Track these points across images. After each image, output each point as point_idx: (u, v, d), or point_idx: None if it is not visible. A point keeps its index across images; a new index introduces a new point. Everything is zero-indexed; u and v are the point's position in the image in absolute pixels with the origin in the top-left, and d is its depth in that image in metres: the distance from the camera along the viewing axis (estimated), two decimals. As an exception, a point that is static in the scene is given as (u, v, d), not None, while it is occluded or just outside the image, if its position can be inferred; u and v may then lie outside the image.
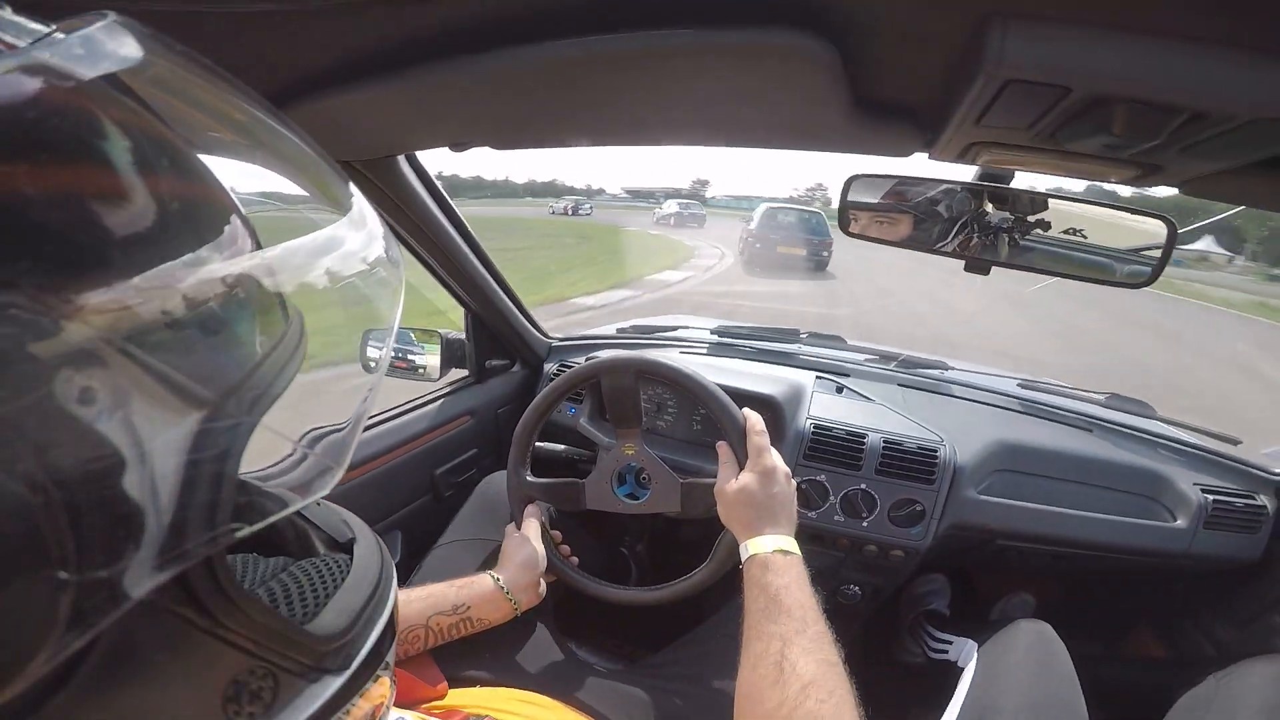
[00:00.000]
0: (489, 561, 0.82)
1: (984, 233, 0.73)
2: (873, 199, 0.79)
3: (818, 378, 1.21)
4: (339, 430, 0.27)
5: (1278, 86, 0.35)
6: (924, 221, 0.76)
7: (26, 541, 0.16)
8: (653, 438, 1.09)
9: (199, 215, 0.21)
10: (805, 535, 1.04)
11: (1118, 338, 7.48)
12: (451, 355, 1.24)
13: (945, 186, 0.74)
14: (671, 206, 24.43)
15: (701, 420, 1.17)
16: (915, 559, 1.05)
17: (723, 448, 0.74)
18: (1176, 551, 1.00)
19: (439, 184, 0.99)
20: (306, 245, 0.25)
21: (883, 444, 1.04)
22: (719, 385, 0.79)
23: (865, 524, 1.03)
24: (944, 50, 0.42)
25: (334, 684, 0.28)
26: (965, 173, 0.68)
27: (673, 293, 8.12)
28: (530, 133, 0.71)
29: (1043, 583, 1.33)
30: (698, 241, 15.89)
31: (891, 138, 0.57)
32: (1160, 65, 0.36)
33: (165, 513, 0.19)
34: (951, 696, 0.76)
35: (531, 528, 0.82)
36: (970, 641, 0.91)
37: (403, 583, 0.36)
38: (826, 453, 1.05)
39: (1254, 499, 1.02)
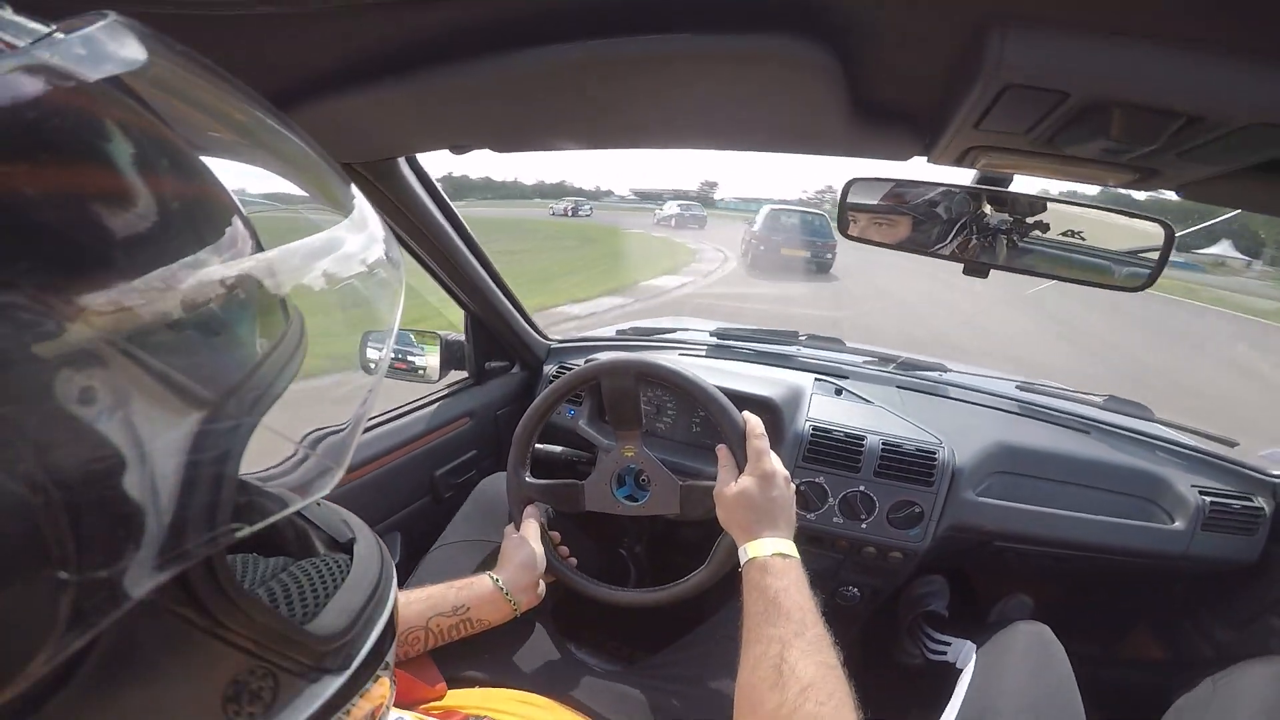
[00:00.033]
0: (488, 562, 0.82)
1: (982, 235, 0.73)
2: (872, 201, 0.79)
3: (816, 380, 1.21)
4: (339, 431, 0.28)
5: (1273, 91, 0.35)
6: (923, 223, 0.77)
7: (27, 541, 0.16)
8: (652, 440, 1.09)
9: (200, 215, 0.21)
10: (804, 537, 1.04)
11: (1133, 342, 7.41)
12: (451, 357, 1.24)
13: (944, 188, 0.74)
14: (672, 208, 24.41)
15: (701, 422, 1.17)
16: (914, 561, 1.05)
17: (722, 451, 0.74)
18: (1174, 553, 1.00)
19: (439, 186, 0.99)
20: (307, 246, 0.25)
21: (881, 446, 1.04)
22: (718, 388, 0.79)
23: (864, 526, 1.03)
24: (943, 55, 0.42)
25: (334, 684, 0.28)
26: (964, 176, 0.68)
27: (668, 300, 7.81)
28: (530, 136, 0.71)
29: (1041, 584, 1.33)
30: (701, 244, 15.56)
31: (890, 142, 0.57)
32: (1158, 70, 0.36)
33: (165, 513, 0.19)
34: (950, 698, 0.77)
35: (530, 529, 0.82)
36: (969, 643, 0.91)
37: (401, 584, 0.36)
38: (825, 455, 1.05)
39: (1251, 501, 1.02)
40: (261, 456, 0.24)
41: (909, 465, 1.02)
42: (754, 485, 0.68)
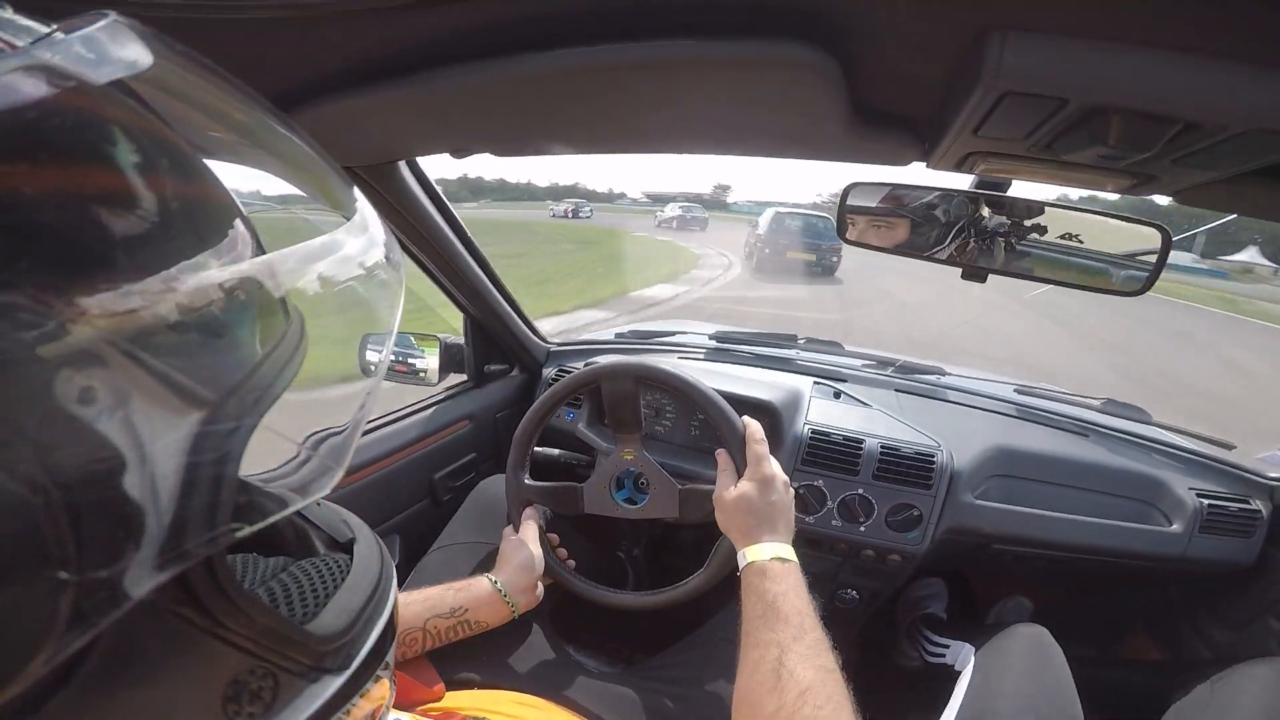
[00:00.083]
0: (486, 564, 0.82)
1: (980, 238, 0.73)
2: (870, 204, 0.79)
3: (815, 383, 1.22)
4: (340, 432, 0.28)
5: (1268, 97, 0.35)
6: (921, 226, 0.77)
7: (27, 541, 0.16)
8: (651, 443, 1.09)
9: (200, 216, 0.21)
10: (802, 540, 1.04)
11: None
12: (450, 360, 1.24)
13: (942, 192, 0.74)
14: (674, 210, 24.41)
15: (700, 426, 1.17)
16: (912, 563, 1.05)
17: (722, 455, 0.74)
18: (1172, 555, 1.00)
19: (439, 189, 0.99)
20: (308, 248, 0.25)
21: (880, 449, 1.04)
22: (717, 391, 0.79)
23: (862, 529, 1.03)
24: (943, 62, 0.42)
25: (334, 684, 0.28)
26: (962, 181, 0.68)
27: (661, 313, 7.17)
28: (530, 140, 0.71)
29: (1039, 587, 1.33)
30: (706, 249, 15.03)
31: (890, 147, 0.57)
32: (1155, 77, 0.36)
33: (165, 513, 0.19)
34: (948, 701, 0.76)
35: (529, 531, 0.82)
36: (967, 645, 0.91)
37: (400, 586, 0.36)
38: (824, 458, 1.05)
39: (1248, 503, 1.03)
40: (262, 457, 0.24)
41: (907, 468, 1.03)
42: (753, 489, 0.68)
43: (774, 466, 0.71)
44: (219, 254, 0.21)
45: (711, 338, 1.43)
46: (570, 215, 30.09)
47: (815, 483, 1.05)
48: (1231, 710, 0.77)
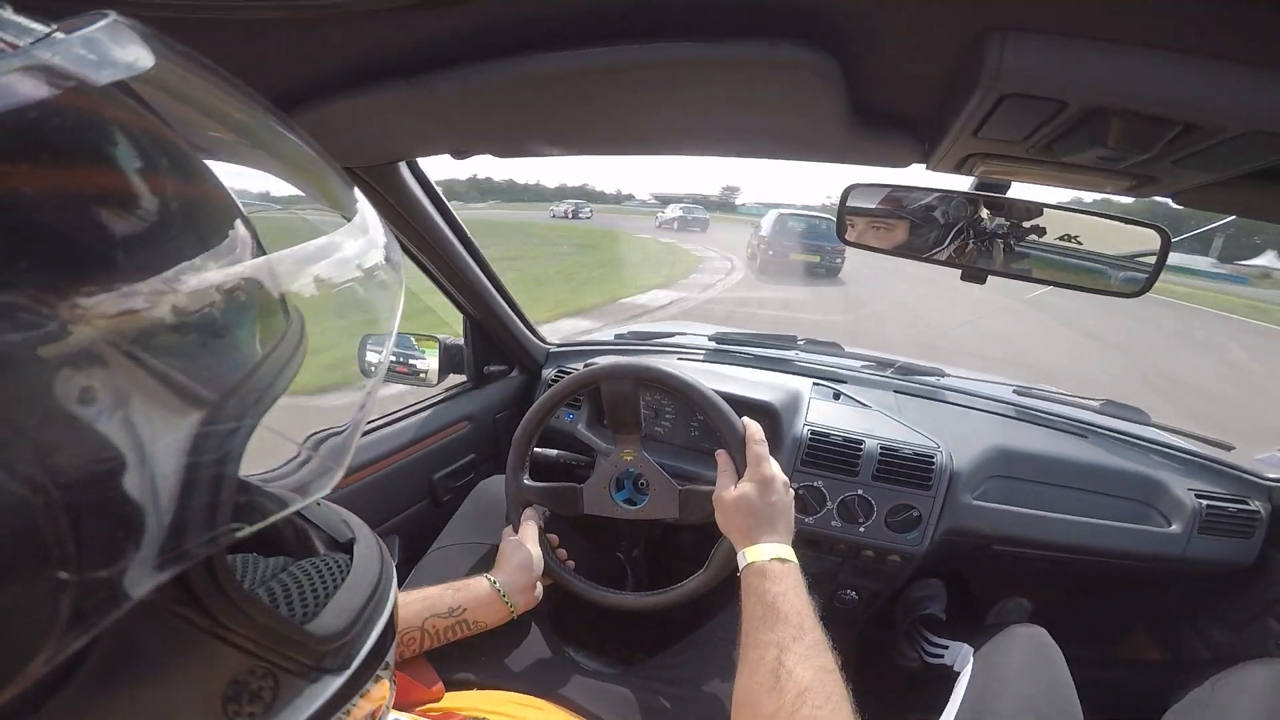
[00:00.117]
0: (486, 565, 0.82)
1: (979, 239, 0.73)
2: (870, 206, 0.79)
3: (815, 384, 1.22)
4: (340, 432, 0.28)
5: (1267, 99, 0.35)
6: (920, 228, 0.77)
7: (27, 541, 0.15)
8: (651, 444, 1.09)
9: (201, 216, 0.21)
10: (802, 541, 1.04)
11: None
12: (450, 361, 1.24)
13: (941, 193, 0.74)
14: (674, 211, 24.37)
15: (699, 426, 1.17)
16: (912, 564, 1.06)
17: (721, 456, 0.74)
18: (1171, 556, 1.00)
19: (439, 189, 0.99)
20: (308, 248, 0.25)
21: (879, 450, 1.04)
22: (717, 392, 0.79)
23: (862, 529, 1.03)
24: (943, 64, 0.43)
25: (334, 684, 0.28)
26: (962, 182, 0.68)
27: (655, 319, 6.77)
28: (531, 141, 0.71)
29: (1038, 587, 1.33)
30: (709, 251, 14.72)
31: (890, 149, 0.57)
32: (1155, 79, 0.36)
33: (165, 513, 0.19)
34: (948, 701, 0.77)
35: (528, 531, 0.82)
36: (966, 646, 0.91)
37: (400, 586, 0.36)
38: (823, 459, 1.05)
39: (1247, 504, 1.03)
40: (262, 457, 0.24)
41: (907, 469, 1.03)
42: (753, 490, 0.68)
43: (774, 467, 0.71)
44: (219, 254, 0.21)
45: (711, 339, 1.43)
46: (570, 216, 30.16)
47: (815, 483, 1.05)
48: (1231, 711, 0.77)
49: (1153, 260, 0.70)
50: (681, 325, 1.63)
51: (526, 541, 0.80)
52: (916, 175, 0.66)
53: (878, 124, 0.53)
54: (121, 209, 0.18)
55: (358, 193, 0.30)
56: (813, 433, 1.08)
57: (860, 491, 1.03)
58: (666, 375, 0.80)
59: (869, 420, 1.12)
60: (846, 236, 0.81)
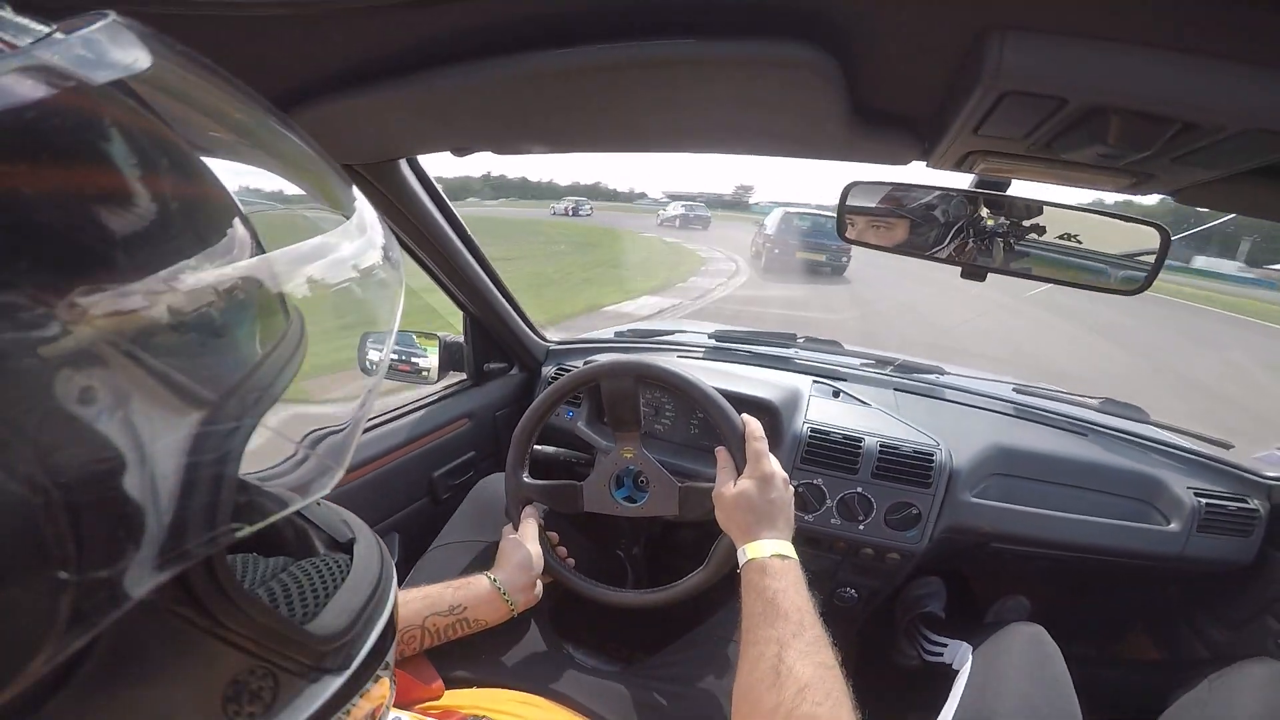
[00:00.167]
0: (485, 562, 0.82)
1: (979, 238, 0.73)
2: (870, 204, 0.79)
3: (814, 382, 1.22)
4: (339, 431, 0.28)
5: (1266, 98, 0.35)
6: (920, 226, 0.77)
7: (27, 541, 0.16)
8: (651, 441, 1.10)
9: (200, 216, 0.21)
10: (802, 538, 1.04)
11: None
12: (450, 358, 1.24)
13: (941, 192, 0.74)
14: (676, 209, 24.27)
15: (699, 424, 1.17)
16: (911, 562, 1.06)
17: (721, 453, 0.75)
18: (1170, 554, 1.00)
19: (439, 187, 0.99)
20: (308, 247, 0.25)
21: (879, 448, 1.04)
22: (717, 389, 0.79)
23: (862, 527, 1.03)
24: (943, 62, 0.42)
25: (334, 684, 0.28)
26: (962, 181, 0.68)
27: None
28: (531, 138, 0.71)
29: (1038, 586, 1.34)
30: (713, 251, 14.31)
31: (890, 147, 0.57)
32: (1154, 77, 0.36)
33: (165, 513, 0.19)
34: (947, 699, 0.77)
35: (528, 529, 0.82)
36: (965, 644, 0.91)
37: (400, 584, 0.36)
38: (823, 457, 1.06)
39: (1246, 502, 1.03)
40: (262, 456, 0.24)
41: (906, 467, 1.03)
42: (753, 487, 0.68)
43: (773, 464, 0.71)
44: (219, 254, 0.21)
45: (711, 337, 1.43)
46: (570, 213, 30.16)
47: (814, 481, 1.05)
48: (1229, 709, 0.77)
49: (1152, 258, 0.70)
50: (681, 323, 1.63)
51: (526, 539, 0.80)
52: (917, 173, 0.66)
53: (878, 122, 0.53)
54: (121, 209, 0.18)
55: (357, 191, 0.30)
56: (812, 430, 1.08)
57: (860, 489, 1.03)
58: (666, 373, 0.80)
59: (869, 418, 1.13)
60: (847, 235, 0.81)
